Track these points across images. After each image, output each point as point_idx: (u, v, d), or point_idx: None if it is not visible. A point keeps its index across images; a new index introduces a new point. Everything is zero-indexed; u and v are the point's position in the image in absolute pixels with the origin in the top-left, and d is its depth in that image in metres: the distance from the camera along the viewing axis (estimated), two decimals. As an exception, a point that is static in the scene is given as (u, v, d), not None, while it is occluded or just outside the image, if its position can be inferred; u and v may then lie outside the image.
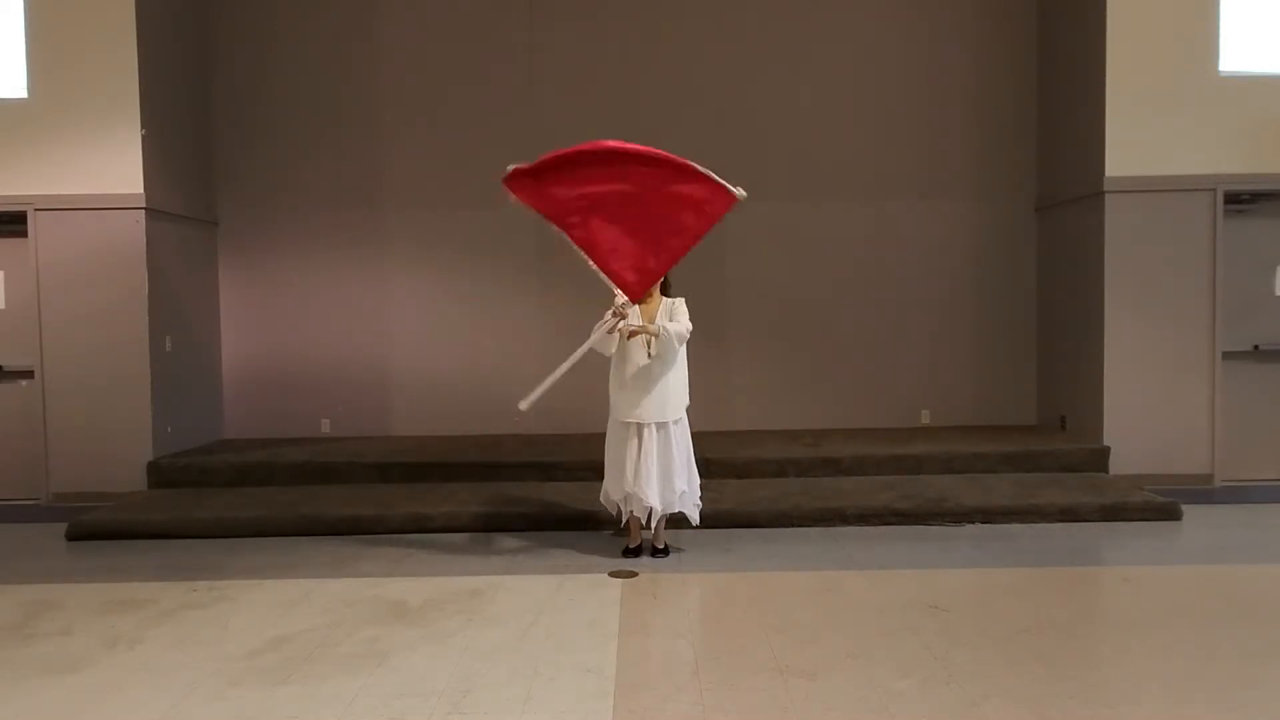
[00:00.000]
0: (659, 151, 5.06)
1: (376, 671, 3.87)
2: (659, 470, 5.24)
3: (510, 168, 5.20)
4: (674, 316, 5.31)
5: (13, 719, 3.55)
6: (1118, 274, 7.02)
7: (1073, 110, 7.55)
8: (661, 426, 5.28)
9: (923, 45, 8.23)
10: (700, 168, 5.05)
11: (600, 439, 5.52)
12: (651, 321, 5.28)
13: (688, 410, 5.44)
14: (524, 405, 5.13)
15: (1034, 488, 6.52)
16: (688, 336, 5.33)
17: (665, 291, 5.42)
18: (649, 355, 5.23)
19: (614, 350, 5.29)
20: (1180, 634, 4.19)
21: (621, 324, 5.20)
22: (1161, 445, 7.02)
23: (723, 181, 5.06)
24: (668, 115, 8.21)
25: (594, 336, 5.21)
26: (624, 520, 5.54)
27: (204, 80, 8.13)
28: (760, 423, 8.26)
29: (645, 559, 5.43)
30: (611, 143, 5.08)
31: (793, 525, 6.08)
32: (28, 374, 7.11)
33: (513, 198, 5.22)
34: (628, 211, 5.09)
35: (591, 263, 5.20)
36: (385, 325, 8.34)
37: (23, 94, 6.98)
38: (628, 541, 5.53)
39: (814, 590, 4.85)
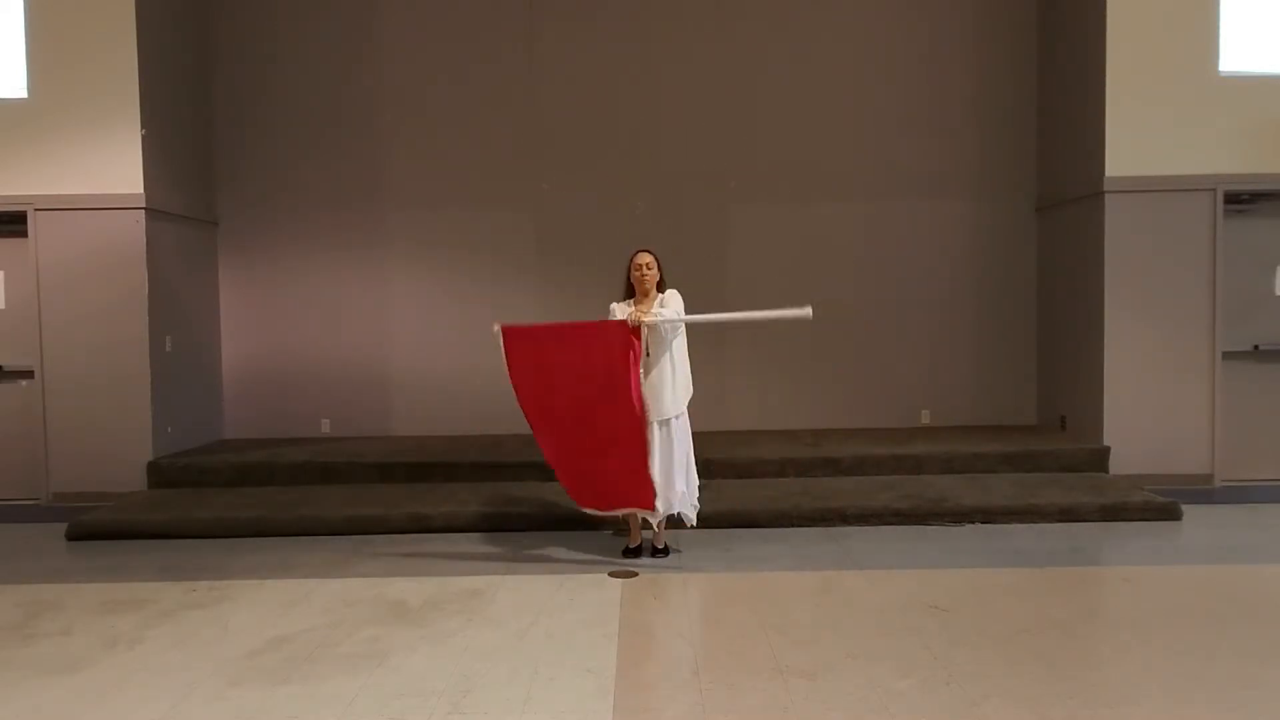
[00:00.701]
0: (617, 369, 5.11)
1: (376, 671, 3.87)
2: (660, 469, 5.23)
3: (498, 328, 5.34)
4: (665, 306, 5.26)
5: (13, 719, 3.55)
6: (1118, 274, 7.02)
7: (1073, 110, 7.55)
8: (664, 423, 5.27)
9: (923, 45, 8.23)
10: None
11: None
12: (646, 314, 5.24)
13: (689, 410, 5.43)
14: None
15: (1034, 488, 6.52)
16: (682, 326, 5.28)
17: (660, 287, 5.37)
18: (646, 354, 5.21)
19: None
20: (1180, 634, 4.19)
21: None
22: (1161, 445, 7.02)
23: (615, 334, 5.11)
24: (667, 115, 8.23)
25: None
26: (623, 521, 5.53)
27: (204, 80, 8.13)
28: (760, 423, 8.26)
29: (645, 559, 5.43)
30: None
31: (793, 525, 6.08)
32: (28, 374, 7.11)
33: (502, 350, 5.33)
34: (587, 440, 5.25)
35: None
36: (385, 325, 8.35)
37: (23, 94, 6.98)
38: (628, 541, 5.53)
39: (814, 590, 4.85)
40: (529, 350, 5.28)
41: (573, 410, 5.23)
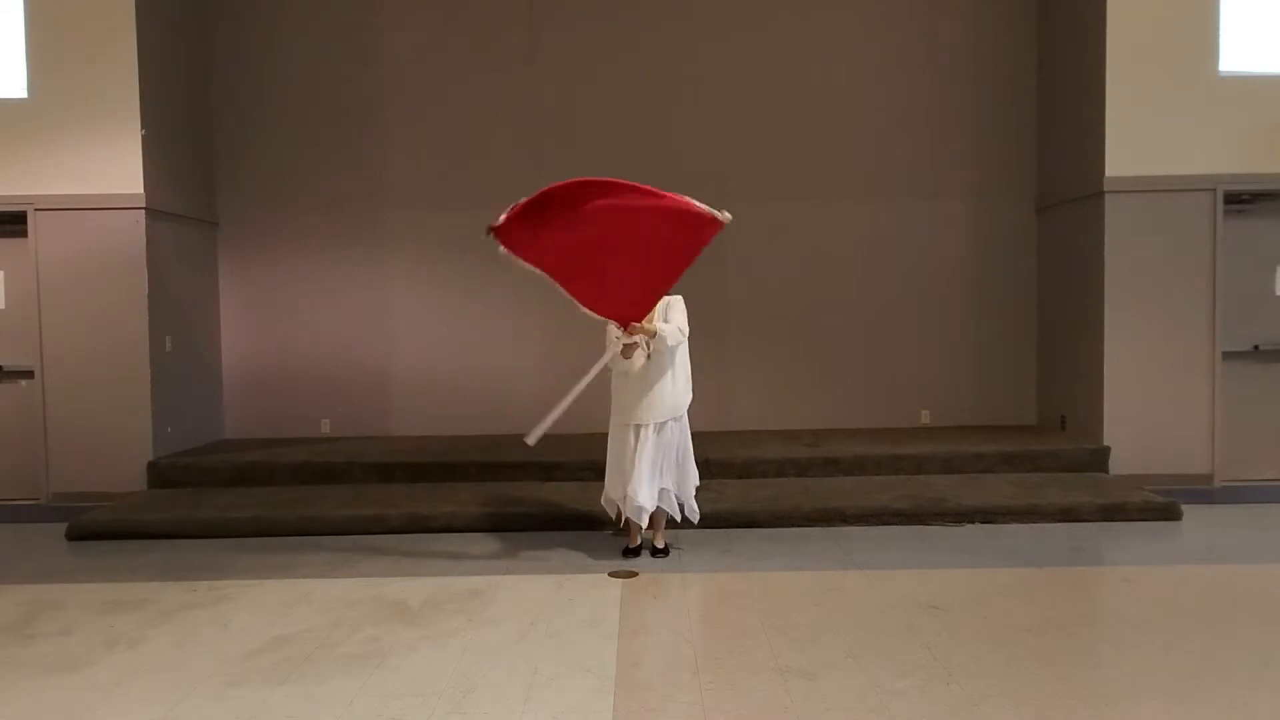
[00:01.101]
0: (639, 186, 4.96)
1: (376, 671, 3.87)
2: (648, 471, 5.22)
3: (492, 226, 5.18)
4: (668, 314, 5.29)
5: (13, 719, 3.55)
6: (1118, 274, 7.01)
7: (1073, 110, 7.55)
8: (661, 426, 5.27)
9: (923, 45, 8.22)
10: (681, 198, 4.97)
11: (600, 439, 5.52)
12: (649, 322, 5.26)
13: (689, 410, 5.44)
14: (531, 440, 5.15)
15: (1034, 488, 6.52)
16: (683, 337, 5.31)
17: None
18: (646, 356, 5.22)
19: (633, 359, 5.24)
20: (1180, 634, 4.19)
21: (619, 338, 5.20)
22: (1161, 445, 7.02)
23: (705, 208, 4.97)
24: (668, 115, 8.23)
25: (602, 360, 5.24)
26: (622, 521, 5.53)
27: (204, 80, 8.13)
28: (760, 423, 8.26)
29: (645, 559, 5.43)
30: (589, 180, 5.01)
31: (793, 525, 6.08)
32: (28, 374, 7.11)
33: (502, 249, 5.21)
34: (613, 258, 5.03)
35: (583, 307, 5.24)
36: (385, 325, 8.35)
37: (23, 94, 6.98)
38: (628, 541, 5.53)
39: (814, 590, 4.85)
40: (533, 223, 5.05)
41: (597, 229, 4.98)
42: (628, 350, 5.18)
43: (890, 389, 8.28)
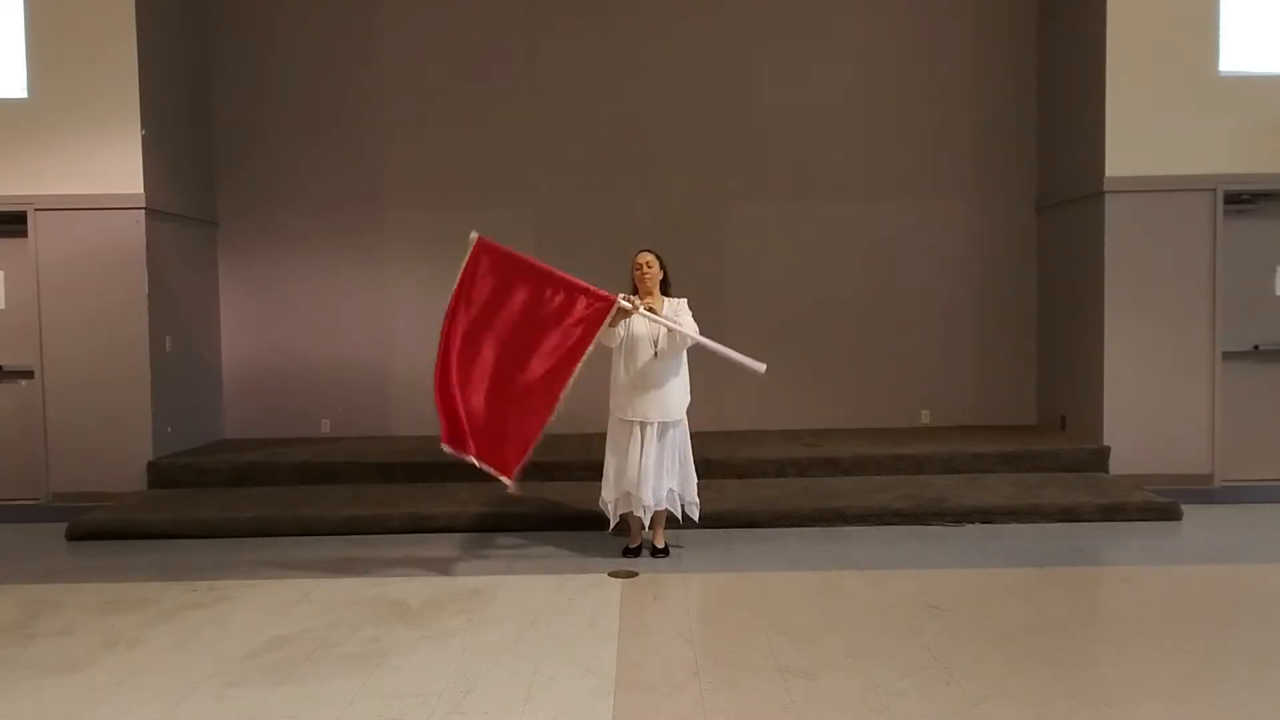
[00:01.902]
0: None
1: (376, 671, 3.87)
2: (653, 469, 5.23)
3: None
4: (678, 317, 5.27)
5: (13, 719, 3.55)
6: (1118, 274, 7.02)
7: (1073, 110, 7.55)
8: (663, 426, 5.28)
9: (923, 45, 8.23)
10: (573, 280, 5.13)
11: (600, 439, 5.51)
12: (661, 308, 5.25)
13: (688, 412, 5.44)
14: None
15: (1034, 488, 6.52)
16: (694, 340, 5.31)
17: (665, 290, 5.38)
18: (654, 354, 5.21)
19: (617, 342, 5.25)
20: (1180, 634, 4.19)
21: (634, 305, 5.15)
22: (1161, 445, 7.02)
23: (599, 291, 5.16)
24: (668, 115, 8.23)
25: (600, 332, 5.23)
26: (614, 522, 5.52)
27: (204, 80, 8.13)
28: (760, 423, 8.26)
29: (645, 559, 5.43)
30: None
31: (793, 525, 6.08)
32: (28, 374, 7.11)
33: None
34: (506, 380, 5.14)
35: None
36: (385, 325, 8.35)
37: (23, 94, 6.98)
38: (628, 541, 5.53)
39: (814, 590, 4.85)
40: (495, 269, 5.16)
41: (503, 348, 5.13)
42: (618, 317, 5.16)
43: (890, 389, 8.28)
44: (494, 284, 5.18)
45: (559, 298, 5.14)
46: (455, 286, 5.18)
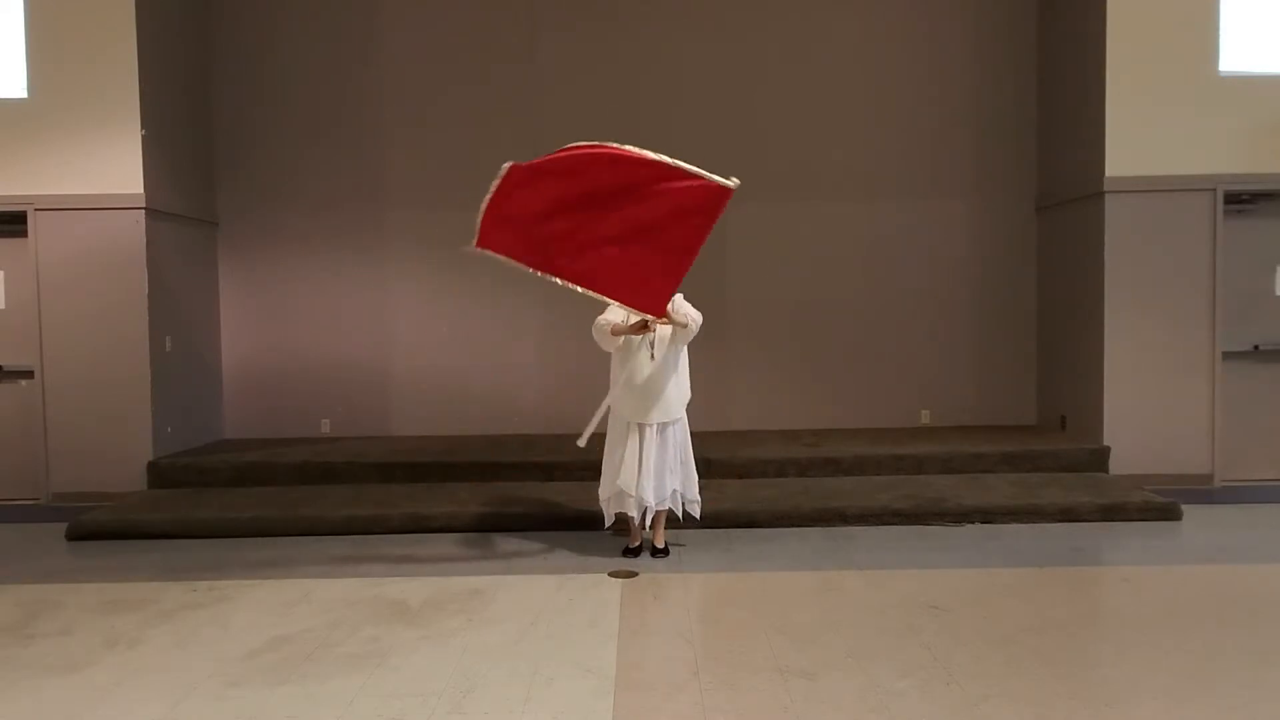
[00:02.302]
0: (638, 154, 4.80)
1: (376, 671, 3.87)
2: (655, 468, 5.25)
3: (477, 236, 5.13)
4: (676, 308, 5.27)
5: (13, 719, 3.55)
6: (1118, 274, 7.01)
7: (1073, 110, 7.55)
8: (663, 426, 5.28)
9: (923, 45, 8.22)
10: (686, 166, 4.80)
11: (600, 439, 5.51)
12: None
13: (688, 410, 5.44)
14: (581, 442, 5.18)
15: (1034, 488, 6.52)
16: (697, 329, 5.32)
17: None
18: (652, 357, 5.22)
19: (616, 346, 5.26)
20: (1180, 634, 4.19)
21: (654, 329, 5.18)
22: (1161, 445, 7.02)
23: (711, 176, 4.78)
24: (668, 115, 8.21)
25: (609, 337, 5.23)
26: (609, 520, 5.53)
27: (204, 80, 8.13)
28: (760, 423, 8.25)
29: (645, 559, 5.43)
30: (583, 149, 4.88)
31: (793, 525, 6.08)
32: (28, 374, 7.11)
33: (486, 253, 5.13)
34: (622, 247, 4.86)
35: (593, 293, 5.07)
36: (385, 325, 8.34)
37: (23, 94, 6.98)
38: (628, 541, 5.53)
39: (814, 590, 4.85)
40: (535, 178, 4.89)
41: (584, 214, 4.83)
42: (636, 329, 5.15)
43: (890, 389, 8.28)
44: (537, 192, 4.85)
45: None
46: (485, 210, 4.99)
